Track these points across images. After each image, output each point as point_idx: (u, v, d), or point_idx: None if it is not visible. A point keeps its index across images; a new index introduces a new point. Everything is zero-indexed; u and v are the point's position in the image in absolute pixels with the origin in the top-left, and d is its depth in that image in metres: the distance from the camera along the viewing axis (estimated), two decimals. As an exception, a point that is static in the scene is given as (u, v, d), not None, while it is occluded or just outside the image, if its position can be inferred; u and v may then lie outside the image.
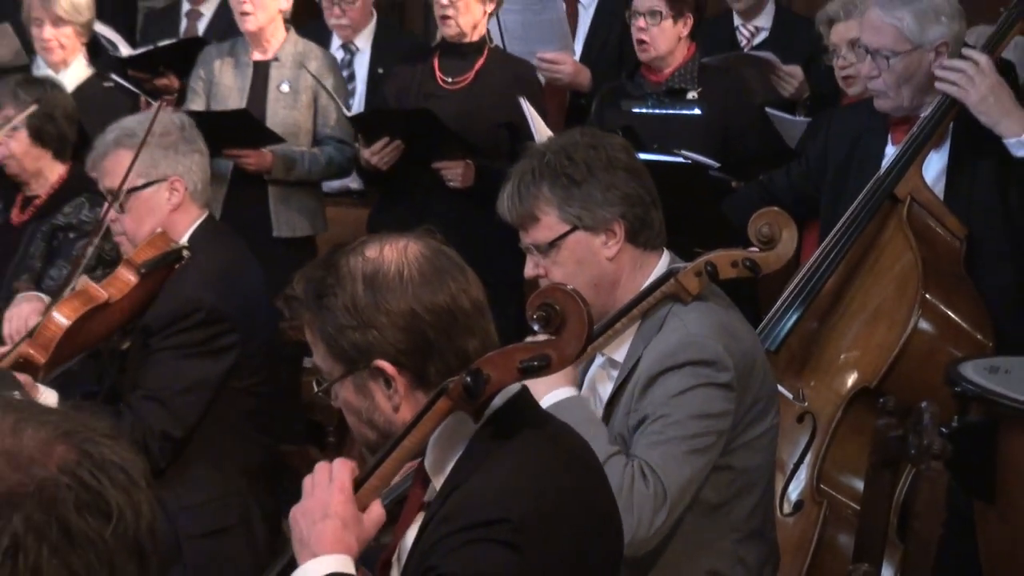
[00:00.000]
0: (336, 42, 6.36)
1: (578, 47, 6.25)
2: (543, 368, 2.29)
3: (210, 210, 4.18)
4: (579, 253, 3.12)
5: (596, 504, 2.39)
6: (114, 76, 5.76)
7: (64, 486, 1.34)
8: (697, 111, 5.33)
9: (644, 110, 5.37)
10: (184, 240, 4.00)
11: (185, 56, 5.96)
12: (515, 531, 2.19)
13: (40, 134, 4.95)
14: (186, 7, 6.81)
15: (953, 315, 4.02)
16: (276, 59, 5.67)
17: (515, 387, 2.36)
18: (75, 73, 5.81)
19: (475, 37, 5.55)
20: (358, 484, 2.35)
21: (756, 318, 4.01)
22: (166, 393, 3.86)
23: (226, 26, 6.37)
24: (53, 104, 4.95)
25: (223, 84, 5.69)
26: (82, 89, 5.66)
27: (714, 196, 4.79)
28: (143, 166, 3.97)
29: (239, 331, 3.95)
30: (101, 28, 6.18)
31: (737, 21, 6.23)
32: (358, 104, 6.19)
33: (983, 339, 4.03)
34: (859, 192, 4.17)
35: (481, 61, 5.56)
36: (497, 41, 5.76)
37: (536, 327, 2.37)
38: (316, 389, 2.46)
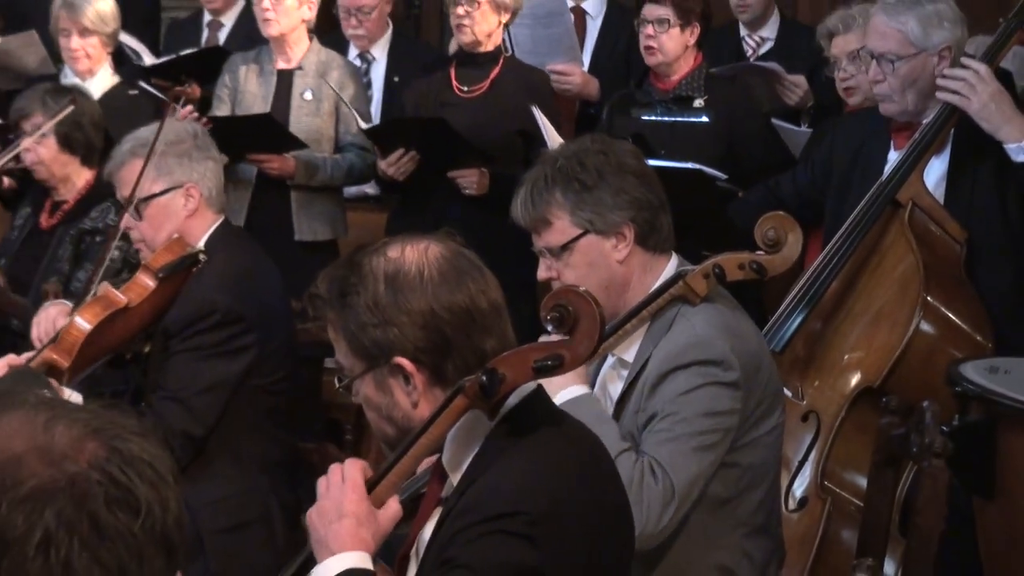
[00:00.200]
0: (353, 52, 6.37)
1: (586, 58, 6.27)
2: (557, 367, 2.30)
3: (225, 215, 4.18)
4: (590, 256, 3.12)
5: (609, 499, 2.39)
6: (142, 83, 5.78)
7: (94, 481, 1.34)
8: (704, 118, 5.34)
9: (653, 117, 5.38)
10: (200, 244, 4.01)
11: (206, 65, 5.97)
12: (531, 524, 2.20)
13: (68, 141, 4.99)
14: (207, 18, 6.83)
15: (954, 317, 4.02)
16: (300, 68, 5.67)
17: (530, 386, 2.36)
18: (101, 81, 5.83)
19: (490, 46, 5.56)
20: (376, 481, 2.35)
21: (761, 320, 4.00)
22: (186, 393, 3.87)
23: (246, 36, 6.39)
24: (80, 112, 4.98)
25: (248, 91, 5.70)
26: (108, 97, 5.68)
27: (720, 201, 4.79)
28: (158, 173, 3.98)
29: (256, 331, 3.95)
30: (126, 38, 6.20)
31: (743, 31, 6.25)
32: (375, 111, 6.19)
33: (983, 340, 4.03)
34: (862, 197, 4.17)
35: (496, 70, 5.57)
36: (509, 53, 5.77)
37: (550, 327, 2.37)
38: (338, 385, 2.47)
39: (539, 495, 2.24)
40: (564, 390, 2.97)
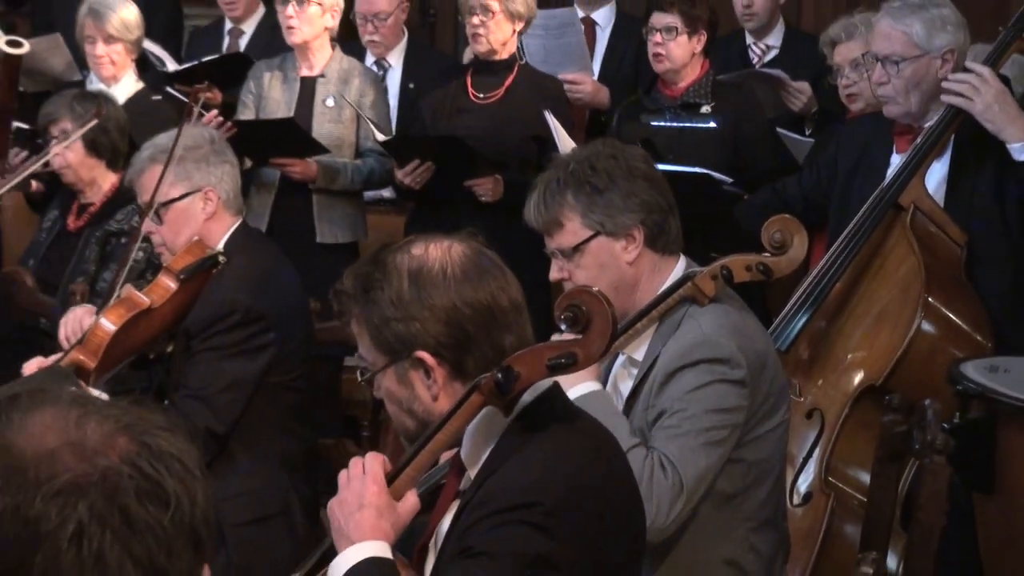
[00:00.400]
0: (369, 59, 6.37)
1: (596, 67, 6.28)
2: (570, 365, 2.30)
3: (244, 217, 4.19)
4: (601, 257, 3.13)
5: (622, 493, 2.39)
6: (169, 89, 5.79)
7: (125, 475, 1.34)
8: (712, 124, 5.35)
9: (661, 123, 5.38)
10: (220, 246, 4.01)
11: (227, 70, 5.98)
12: (546, 514, 2.20)
13: (94, 145, 5.01)
14: (228, 26, 6.84)
15: (954, 317, 4.02)
16: (322, 75, 5.68)
17: (547, 383, 2.36)
18: (126, 87, 5.84)
19: (505, 55, 5.57)
20: (395, 474, 2.36)
21: (766, 320, 4.00)
22: (208, 391, 3.87)
23: (265, 43, 6.40)
24: (107, 117, 5.00)
25: (272, 98, 5.71)
26: (132, 102, 5.69)
27: (727, 204, 4.79)
28: (177, 178, 3.99)
29: (275, 330, 3.96)
30: (149, 45, 6.21)
31: (749, 39, 6.24)
32: (392, 117, 6.19)
33: (982, 340, 4.03)
34: (865, 200, 4.17)
35: (511, 78, 5.57)
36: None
37: (563, 326, 2.37)
38: (360, 379, 2.47)
39: (554, 487, 2.24)
40: (577, 387, 2.97)
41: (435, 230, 2.46)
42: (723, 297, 3.18)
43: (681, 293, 3.14)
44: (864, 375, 4.00)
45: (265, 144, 5.49)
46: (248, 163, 5.47)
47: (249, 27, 6.78)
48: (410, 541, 2.46)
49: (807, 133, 5.65)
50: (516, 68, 5.60)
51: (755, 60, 6.18)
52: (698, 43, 5.39)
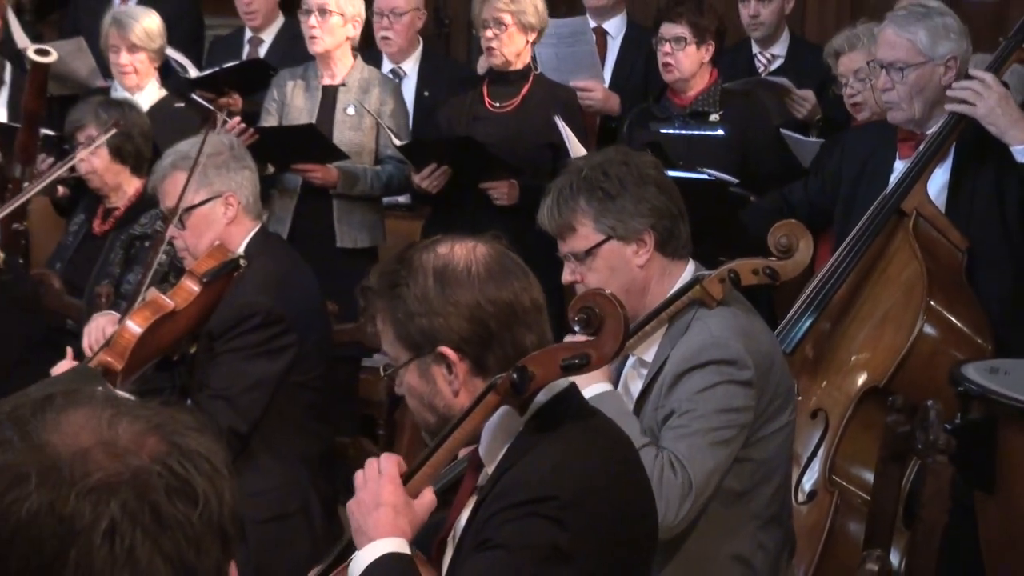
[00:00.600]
0: (386, 67, 6.38)
1: (607, 75, 6.28)
2: (584, 366, 2.31)
3: (263, 221, 4.20)
4: (612, 261, 3.13)
5: (635, 489, 2.40)
6: (192, 95, 5.81)
7: (156, 474, 1.34)
8: (720, 132, 5.35)
9: (671, 131, 5.38)
10: (240, 250, 4.02)
11: (247, 77, 5.99)
12: (562, 508, 2.22)
13: (119, 151, 5.04)
14: (248, 34, 6.85)
15: (955, 320, 4.01)
16: (343, 84, 5.68)
17: (563, 383, 2.37)
18: (149, 95, 5.87)
19: (519, 65, 5.58)
20: (412, 472, 2.37)
21: (772, 322, 4.00)
22: (231, 392, 3.88)
23: (284, 52, 6.41)
24: (131, 123, 5.02)
25: (294, 105, 5.72)
26: (155, 109, 5.71)
27: (735, 208, 4.79)
28: (199, 184, 4.00)
29: (295, 331, 3.96)
30: (172, 52, 6.23)
31: (755, 49, 6.24)
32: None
33: (983, 343, 4.02)
34: (869, 205, 4.17)
35: (527, 87, 5.58)
36: (535, 71, 5.79)
37: (577, 328, 2.38)
38: (383, 374, 2.48)
39: (569, 482, 2.25)
40: (590, 387, 2.97)
41: (453, 233, 2.46)
42: (731, 300, 3.18)
43: (690, 296, 3.15)
44: (867, 376, 4.00)
45: (287, 150, 5.51)
46: (271, 169, 5.48)
47: (268, 36, 6.79)
48: (430, 536, 2.47)
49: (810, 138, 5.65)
50: (532, 78, 5.61)
51: (761, 69, 6.18)
52: (706, 53, 5.39)
